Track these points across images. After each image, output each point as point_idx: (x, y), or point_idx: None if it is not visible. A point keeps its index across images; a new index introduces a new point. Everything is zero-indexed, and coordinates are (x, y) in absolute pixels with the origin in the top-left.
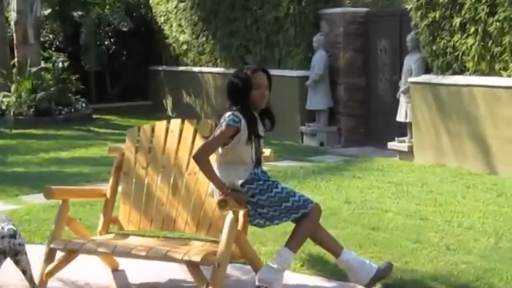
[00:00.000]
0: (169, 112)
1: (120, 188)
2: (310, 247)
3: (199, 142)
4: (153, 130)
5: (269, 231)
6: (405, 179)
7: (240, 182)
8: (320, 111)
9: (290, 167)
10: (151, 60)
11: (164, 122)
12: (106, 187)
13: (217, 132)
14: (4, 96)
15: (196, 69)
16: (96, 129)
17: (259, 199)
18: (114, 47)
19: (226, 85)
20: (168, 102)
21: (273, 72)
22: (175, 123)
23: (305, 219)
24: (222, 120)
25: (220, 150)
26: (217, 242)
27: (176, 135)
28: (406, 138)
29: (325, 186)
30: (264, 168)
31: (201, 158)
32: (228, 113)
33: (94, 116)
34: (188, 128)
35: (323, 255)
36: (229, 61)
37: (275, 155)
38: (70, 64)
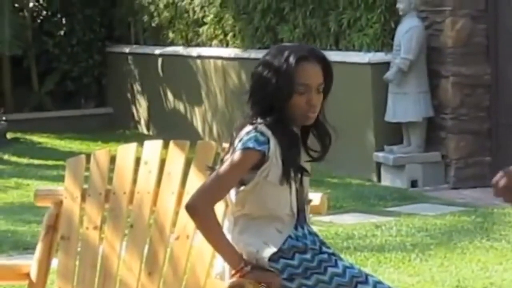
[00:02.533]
0: (142, 128)
1: (55, 264)
2: None
3: (196, 181)
4: (113, 160)
5: None
6: None
7: (270, 252)
8: (412, 125)
9: (358, 226)
10: (111, 35)
11: (133, 145)
12: (30, 263)
13: (227, 162)
14: None
15: (191, 51)
16: (14, 159)
17: (302, 285)
18: (45, 12)
19: (250, 76)
20: (141, 110)
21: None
22: (153, 147)
23: None
24: (237, 142)
25: (233, 195)
26: None
27: (154, 169)
28: None
29: (420, 260)
30: (313, 227)
31: (200, 209)
32: (247, 128)
33: (9, 135)
34: (176, 156)
35: None
36: (249, 37)
37: (330, 204)
38: None
